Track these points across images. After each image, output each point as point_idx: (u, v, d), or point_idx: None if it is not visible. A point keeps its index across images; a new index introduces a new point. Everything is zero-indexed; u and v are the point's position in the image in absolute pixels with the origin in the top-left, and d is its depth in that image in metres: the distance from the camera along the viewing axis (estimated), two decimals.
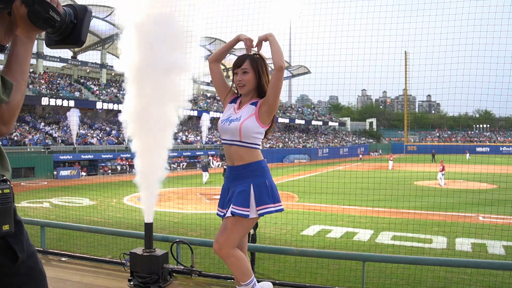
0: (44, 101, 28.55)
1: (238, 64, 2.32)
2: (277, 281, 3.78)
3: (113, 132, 31.61)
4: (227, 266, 2.37)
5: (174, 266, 3.84)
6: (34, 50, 32.32)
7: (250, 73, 2.30)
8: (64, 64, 36.05)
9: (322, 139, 52.40)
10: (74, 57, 36.04)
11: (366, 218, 10.97)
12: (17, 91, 1.12)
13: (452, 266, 5.28)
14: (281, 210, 2.38)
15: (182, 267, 3.87)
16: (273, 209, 2.29)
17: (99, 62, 36.65)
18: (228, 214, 2.27)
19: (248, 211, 2.23)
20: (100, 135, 30.28)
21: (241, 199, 2.25)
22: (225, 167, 20.93)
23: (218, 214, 2.46)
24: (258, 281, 2.49)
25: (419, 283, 5.55)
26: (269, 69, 2.42)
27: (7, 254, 1.13)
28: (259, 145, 2.35)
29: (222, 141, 2.42)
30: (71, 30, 1.27)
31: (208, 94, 46.37)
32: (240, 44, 2.48)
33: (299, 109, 57.61)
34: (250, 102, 2.37)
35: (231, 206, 2.26)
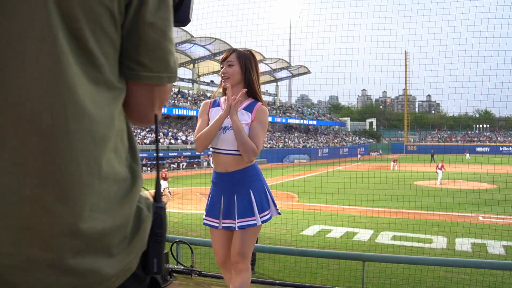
0: None
1: (224, 57, 2.30)
2: (277, 281, 3.78)
3: None
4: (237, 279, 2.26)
5: (174, 266, 3.84)
6: None
7: (236, 66, 2.25)
8: None
9: (322, 139, 52.40)
10: None
11: (366, 218, 10.96)
12: None
13: (452, 266, 5.27)
14: (279, 213, 2.44)
15: (182, 267, 3.87)
16: (270, 215, 2.37)
17: None
18: (237, 228, 2.24)
19: (255, 220, 2.24)
20: None
21: (244, 210, 2.23)
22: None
23: (207, 224, 2.34)
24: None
25: (419, 283, 5.54)
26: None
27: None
28: None
29: (215, 150, 2.28)
30: (177, 7, 1.15)
31: (208, 94, 46.37)
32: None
33: (299, 109, 57.61)
34: (243, 107, 2.29)
35: (237, 221, 2.22)
